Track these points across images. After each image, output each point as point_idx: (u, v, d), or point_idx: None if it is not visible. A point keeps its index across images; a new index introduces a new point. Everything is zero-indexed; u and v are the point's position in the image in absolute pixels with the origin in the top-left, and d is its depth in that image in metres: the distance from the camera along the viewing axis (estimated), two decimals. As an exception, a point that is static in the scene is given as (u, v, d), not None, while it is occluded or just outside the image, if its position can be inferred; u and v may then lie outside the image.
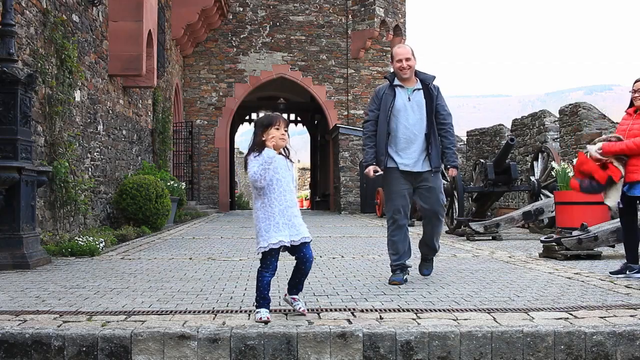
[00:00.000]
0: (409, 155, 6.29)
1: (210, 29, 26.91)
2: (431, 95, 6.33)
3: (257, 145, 4.57)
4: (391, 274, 6.31)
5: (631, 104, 6.67)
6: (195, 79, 27.27)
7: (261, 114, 4.89)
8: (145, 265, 7.71)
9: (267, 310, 4.48)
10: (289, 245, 4.56)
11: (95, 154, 12.70)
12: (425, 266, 6.71)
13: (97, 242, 9.20)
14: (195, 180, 25.85)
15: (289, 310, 4.71)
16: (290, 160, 4.73)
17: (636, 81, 6.54)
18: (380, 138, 6.34)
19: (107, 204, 13.56)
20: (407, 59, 6.32)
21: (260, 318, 4.38)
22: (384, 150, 6.32)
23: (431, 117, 6.28)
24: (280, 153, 4.64)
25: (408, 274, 6.38)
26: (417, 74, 6.46)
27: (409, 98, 6.32)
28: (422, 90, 6.34)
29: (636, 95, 6.51)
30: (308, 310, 4.66)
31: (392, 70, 6.55)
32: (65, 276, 6.79)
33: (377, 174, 6.35)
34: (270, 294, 4.58)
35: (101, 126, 13.15)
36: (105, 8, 13.65)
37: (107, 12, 13.79)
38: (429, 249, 6.68)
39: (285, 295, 4.75)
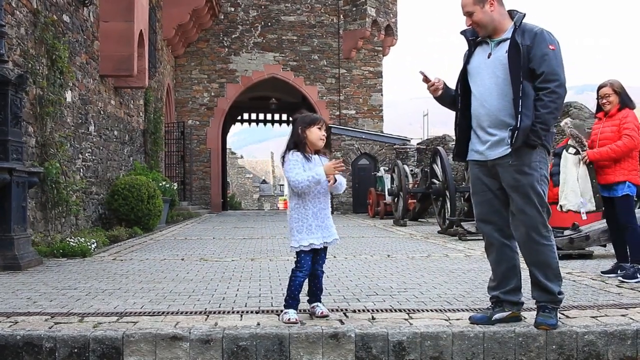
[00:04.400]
0: (482, 137, 4.45)
1: (201, 29, 26.87)
2: (517, 46, 4.24)
3: (298, 144, 4.62)
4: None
5: (599, 109, 6.78)
6: (186, 79, 27.22)
7: (302, 113, 4.71)
8: (137, 266, 7.69)
9: (295, 312, 4.46)
10: (320, 247, 4.57)
11: (86, 154, 12.66)
12: (539, 314, 4.33)
13: (88, 243, 9.17)
14: (187, 181, 25.81)
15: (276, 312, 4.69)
16: (327, 158, 4.72)
17: (600, 87, 6.66)
18: (458, 116, 4.63)
19: (98, 204, 13.52)
20: (469, 14, 4.41)
21: (289, 319, 4.35)
22: (459, 133, 4.63)
23: (518, 78, 4.20)
24: (319, 152, 4.69)
25: (507, 314, 4.39)
26: (512, 14, 4.46)
27: (489, 55, 4.44)
28: (509, 41, 4.33)
29: (603, 101, 6.64)
30: (300, 311, 4.63)
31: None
32: (57, 277, 6.76)
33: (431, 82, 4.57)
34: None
35: (92, 127, 13.11)
36: (96, 8, 13.62)
37: (98, 12, 13.75)
38: (533, 287, 4.42)
39: (308, 308, 4.69)
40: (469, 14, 4.38)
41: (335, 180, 4.59)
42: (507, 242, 4.48)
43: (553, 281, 4.32)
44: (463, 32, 4.60)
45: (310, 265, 4.56)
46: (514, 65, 4.23)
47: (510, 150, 4.25)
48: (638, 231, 6.47)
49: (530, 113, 4.18)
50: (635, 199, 6.81)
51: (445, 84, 4.65)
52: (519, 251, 4.51)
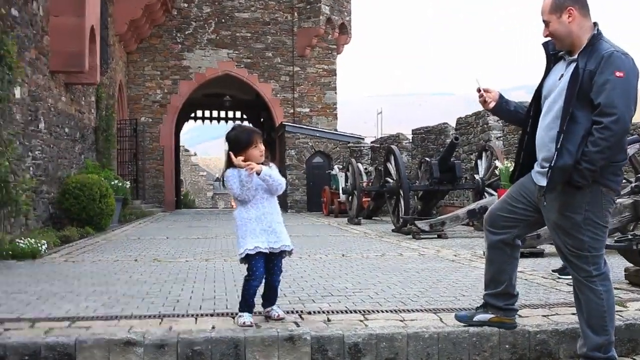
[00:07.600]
0: (539, 160, 3.98)
1: (154, 25, 26.58)
2: (577, 73, 3.74)
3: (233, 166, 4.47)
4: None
5: None
6: (139, 76, 26.91)
7: (232, 129, 4.53)
8: (89, 268, 7.57)
9: (251, 315, 4.44)
10: (266, 251, 4.47)
11: (36, 152, 12.40)
12: None
13: (39, 244, 9.00)
14: (140, 179, 25.51)
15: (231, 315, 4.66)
16: (269, 166, 4.59)
17: None
18: (525, 139, 4.16)
19: (49, 204, 13.26)
20: (546, 23, 3.91)
21: (244, 322, 4.33)
22: (525, 158, 4.14)
23: (568, 108, 3.72)
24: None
25: (489, 317, 4.27)
26: (595, 36, 3.82)
27: (560, 76, 3.91)
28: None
29: None
30: (256, 314, 4.61)
31: None
32: (6, 280, 6.62)
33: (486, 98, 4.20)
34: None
35: (43, 124, 12.85)
36: (46, 2, 13.32)
37: (48, 6, 13.46)
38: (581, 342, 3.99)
39: (263, 311, 4.67)
40: (545, 23, 3.89)
41: (259, 173, 4.42)
42: (506, 248, 4.16)
43: (596, 332, 3.85)
44: (545, 44, 4.08)
45: (263, 272, 4.49)
46: (568, 93, 3.73)
47: (548, 183, 3.77)
48: None
49: (574, 149, 3.66)
50: None
51: (501, 98, 4.23)
52: (517, 256, 4.25)
